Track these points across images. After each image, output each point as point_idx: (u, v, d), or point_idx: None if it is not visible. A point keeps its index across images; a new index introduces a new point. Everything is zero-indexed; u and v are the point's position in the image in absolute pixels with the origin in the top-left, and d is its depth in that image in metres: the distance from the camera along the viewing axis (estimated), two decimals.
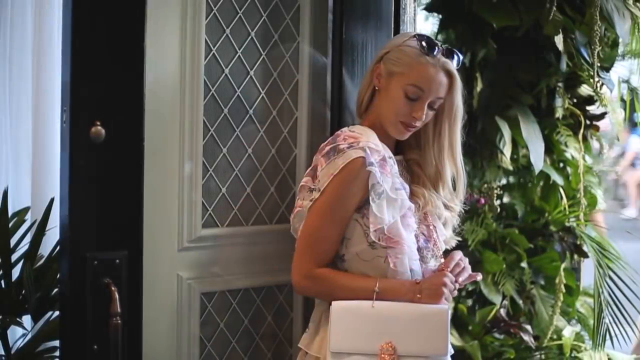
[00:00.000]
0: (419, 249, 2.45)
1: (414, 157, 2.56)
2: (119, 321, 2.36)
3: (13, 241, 2.97)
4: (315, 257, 2.43)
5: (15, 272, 2.92)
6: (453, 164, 2.53)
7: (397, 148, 2.57)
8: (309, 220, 2.43)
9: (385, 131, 2.50)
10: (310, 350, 2.46)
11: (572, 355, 3.91)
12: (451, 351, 2.50)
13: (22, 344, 2.95)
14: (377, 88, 2.50)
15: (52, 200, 2.91)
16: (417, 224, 2.47)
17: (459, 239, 2.66)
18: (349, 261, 2.43)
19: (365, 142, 2.38)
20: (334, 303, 2.36)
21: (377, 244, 2.37)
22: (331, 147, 2.41)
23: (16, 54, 3.29)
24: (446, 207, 2.55)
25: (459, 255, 2.47)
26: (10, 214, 3.09)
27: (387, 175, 2.38)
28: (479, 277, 2.49)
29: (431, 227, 2.51)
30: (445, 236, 2.57)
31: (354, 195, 2.38)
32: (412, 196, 2.49)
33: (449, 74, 2.45)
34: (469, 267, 2.47)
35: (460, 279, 2.42)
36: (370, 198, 2.35)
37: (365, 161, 2.34)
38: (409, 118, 2.43)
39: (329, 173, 2.38)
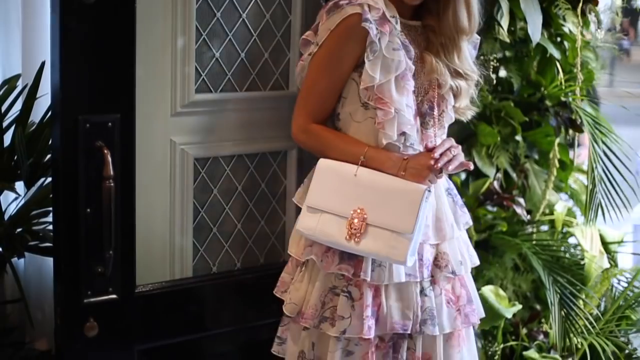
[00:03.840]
0: (423, 115, 2.43)
1: (431, 23, 2.46)
2: (112, 184, 2.37)
3: (4, 108, 2.93)
4: (310, 111, 2.45)
5: (7, 140, 2.91)
6: (469, 26, 2.44)
7: (418, 14, 2.49)
8: (307, 73, 2.45)
9: None
10: (295, 198, 2.54)
11: (564, 230, 3.93)
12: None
13: (15, 210, 2.95)
14: None
15: (43, 63, 2.85)
16: (422, 89, 2.43)
17: (476, 109, 2.61)
18: (343, 120, 2.44)
19: (364, 0, 2.35)
20: (321, 160, 2.42)
21: (369, 104, 2.37)
22: (334, 2, 2.38)
23: None
24: (461, 76, 2.47)
25: (450, 142, 2.43)
26: (0, 81, 3.06)
27: (385, 34, 2.34)
28: (471, 166, 2.42)
29: (439, 95, 2.45)
30: (459, 106, 2.51)
31: (350, 52, 2.37)
32: (421, 62, 2.44)
33: None
34: (460, 156, 2.41)
35: (451, 167, 2.36)
36: (365, 55, 2.33)
37: (361, 17, 2.31)
38: None
39: (327, 28, 2.37)
